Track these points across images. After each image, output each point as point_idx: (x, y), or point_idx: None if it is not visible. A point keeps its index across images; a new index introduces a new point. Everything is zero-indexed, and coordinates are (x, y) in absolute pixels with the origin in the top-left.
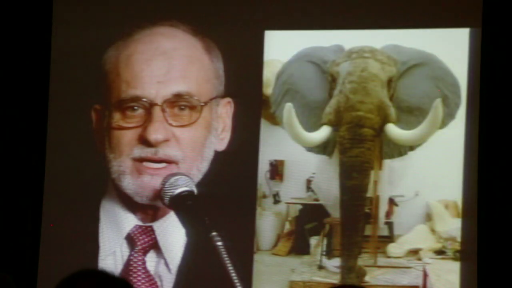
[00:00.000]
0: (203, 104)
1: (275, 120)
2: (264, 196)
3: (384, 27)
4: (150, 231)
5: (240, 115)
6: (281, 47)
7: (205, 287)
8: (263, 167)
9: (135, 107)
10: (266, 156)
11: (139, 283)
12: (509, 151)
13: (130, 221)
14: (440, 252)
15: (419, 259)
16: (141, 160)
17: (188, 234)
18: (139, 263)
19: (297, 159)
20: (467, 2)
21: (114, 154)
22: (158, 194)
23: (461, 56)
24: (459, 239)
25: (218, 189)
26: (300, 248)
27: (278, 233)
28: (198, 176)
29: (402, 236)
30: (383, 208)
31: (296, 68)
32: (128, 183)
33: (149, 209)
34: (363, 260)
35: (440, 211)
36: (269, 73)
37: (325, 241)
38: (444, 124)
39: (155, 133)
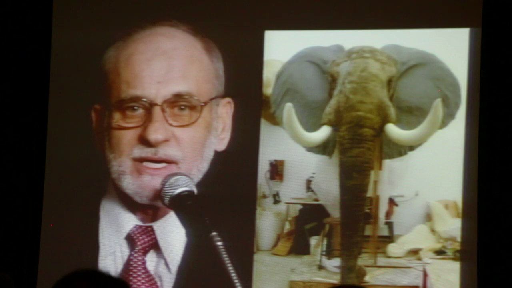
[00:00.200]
0: (203, 104)
1: (275, 120)
2: (264, 196)
3: (384, 27)
4: (150, 231)
5: (240, 115)
6: (281, 47)
7: (205, 287)
8: (263, 167)
9: (135, 107)
10: (266, 156)
11: (139, 283)
12: (509, 151)
13: (130, 221)
14: (440, 252)
15: (419, 259)
16: (141, 160)
17: (188, 234)
18: (139, 263)
19: (297, 159)
20: (467, 2)
21: (114, 154)
22: (158, 194)
23: (461, 56)
24: (459, 239)
25: (218, 189)
26: (300, 248)
27: (278, 233)
28: (198, 176)
29: (402, 236)
30: (383, 208)
31: (296, 68)
32: (128, 183)
33: (149, 209)
34: (363, 260)
35: (440, 211)
36: (269, 73)
37: (325, 241)
38: (444, 124)
39: (155, 133)
